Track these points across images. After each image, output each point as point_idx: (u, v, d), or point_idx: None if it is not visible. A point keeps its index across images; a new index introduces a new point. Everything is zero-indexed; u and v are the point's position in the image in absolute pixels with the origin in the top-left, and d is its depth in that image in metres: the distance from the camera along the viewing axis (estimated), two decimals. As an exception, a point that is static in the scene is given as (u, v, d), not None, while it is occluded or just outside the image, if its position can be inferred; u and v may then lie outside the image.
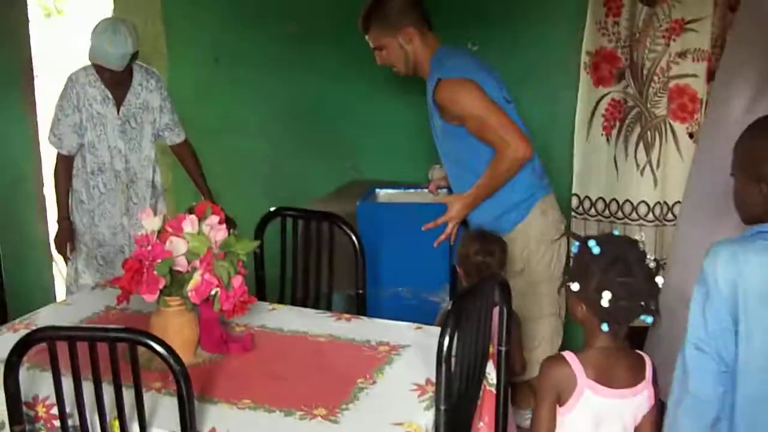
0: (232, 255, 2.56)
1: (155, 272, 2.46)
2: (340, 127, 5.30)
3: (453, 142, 3.57)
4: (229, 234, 2.56)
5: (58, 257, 4.55)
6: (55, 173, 4.27)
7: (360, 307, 3.33)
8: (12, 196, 4.86)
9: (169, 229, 2.55)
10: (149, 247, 2.50)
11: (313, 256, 3.52)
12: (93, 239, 4.29)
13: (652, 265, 2.32)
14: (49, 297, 5.19)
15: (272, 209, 3.61)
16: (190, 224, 2.54)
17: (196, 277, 2.49)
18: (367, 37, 3.57)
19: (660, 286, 2.32)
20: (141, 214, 2.60)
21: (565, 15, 4.59)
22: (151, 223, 2.55)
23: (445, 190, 3.96)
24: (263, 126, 5.51)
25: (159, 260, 2.47)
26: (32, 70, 4.93)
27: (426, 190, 4.07)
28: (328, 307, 3.46)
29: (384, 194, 4.13)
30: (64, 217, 4.26)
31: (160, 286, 2.48)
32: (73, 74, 4.14)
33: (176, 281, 2.53)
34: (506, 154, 3.39)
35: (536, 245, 3.59)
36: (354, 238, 3.32)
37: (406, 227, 3.62)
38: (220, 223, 2.57)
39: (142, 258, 2.49)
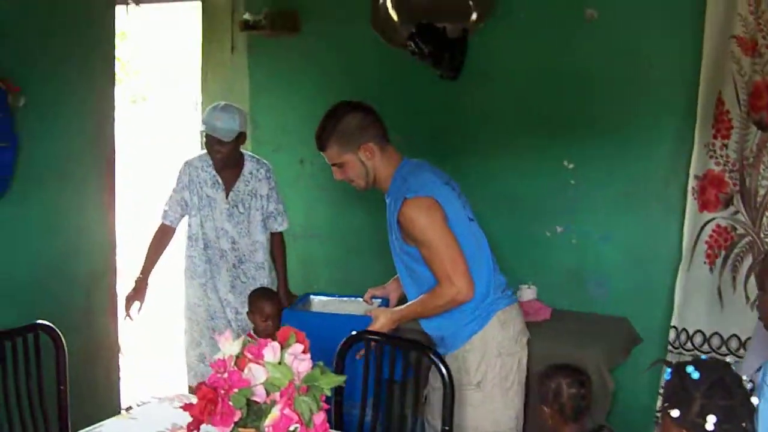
0: (315, 389, 2.34)
1: (230, 403, 2.25)
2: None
3: (408, 261, 3.44)
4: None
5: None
6: (152, 238, 4.56)
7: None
8: (86, 292, 4.73)
9: (249, 355, 2.33)
10: (225, 375, 2.29)
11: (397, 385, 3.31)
12: (206, 311, 4.56)
13: (748, 386, 2.26)
14: (113, 399, 5.07)
15: (354, 333, 3.37)
16: (271, 352, 2.32)
17: (275, 412, 2.26)
18: (324, 154, 3.46)
19: (755, 405, 2.24)
20: (218, 336, 2.39)
21: (668, 136, 4.41)
22: (229, 348, 2.35)
23: (379, 300, 3.86)
24: (340, 231, 5.45)
25: (236, 390, 2.26)
26: (114, 161, 4.86)
27: (361, 299, 3.96)
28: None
29: (318, 301, 4.09)
30: (144, 279, 4.50)
31: (235, 419, 2.26)
32: (188, 159, 4.50)
33: (252, 412, 2.31)
34: (447, 292, 3.27)
35: (494, 358, 3.39)
36: (445, 372, 3.08)
37: (329, 337, 3.39)
38: (304, 352, 2.36)
39: (217, 386, 2.28)
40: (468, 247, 3.31)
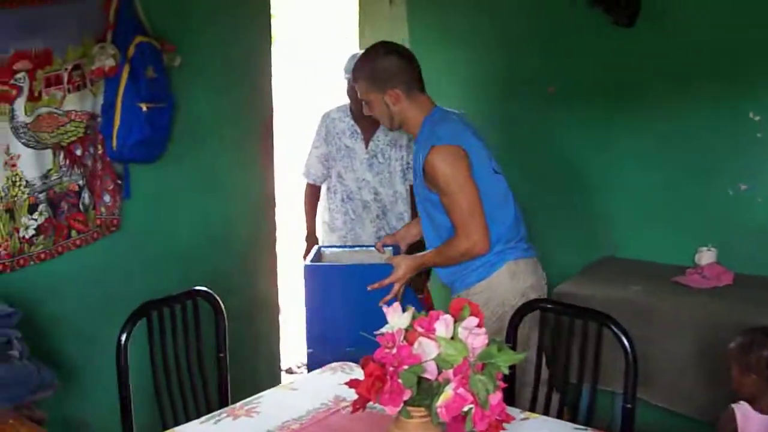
0: (491, 367, 2.11)
1: (400, 381, 2.05)
2: (596, 196, 4.90)
3: (430, 208, 3.50)
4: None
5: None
6: (304, 197, 4.70)
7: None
8: (245, 253, 4.69)
9: (419, 329, 2.13)
10: (394, 350, 2.09)
11: (575, 354, 3.05)
12: None
13: None
14: (273, 360, 5.04)
15: (527, 300, 3.16)
16: (444, 326, 2.11)
17: (448, 392, 2.06)
18: (356, 85, 3.53)
19: None
20: (385, 308, 2.20)
21: None
22: (398, 321, 2.15)
23: (390, 248, 3.90)
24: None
25: (405, 367, 2.06)
26: (272, 120, 4.80)
27: (372, 248, 3.99)
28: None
29: (329, 253, 4.09)
30: (311, 233, 4.68)
31: (405, 398, 2.06)
32: (326, 111, 4.52)
33: (422, 390, 2.11)
34: (463, 244, 3.33)
35: (496, 307, 3.41)
36: (627, 343, 2.81)
37: (353, 288, 3.58)
38: (479, 326, 2.14)
39: (385, 362, 2.09)
40: (490, 200, 3.34)
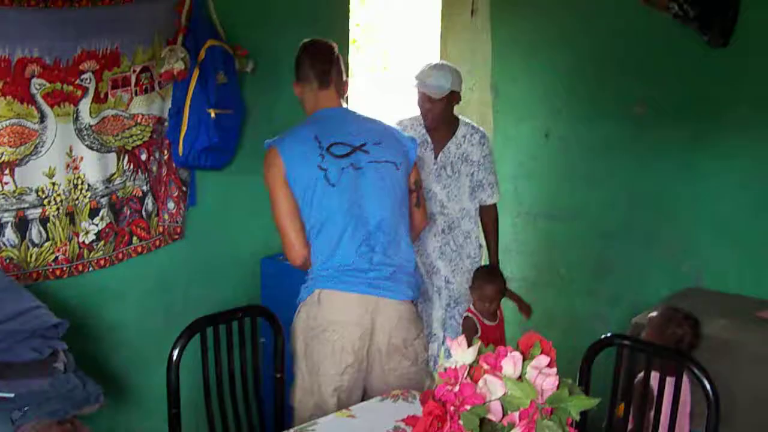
0: (561, 412, 1.92)
1: (461, 423, 1.87)
2: (681, 222, 4.66)
3: None
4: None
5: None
6: None
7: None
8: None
9: (484, 365, 1.95)
10: (457, 387, 1.91)
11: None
12: None
13: None
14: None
15: (604, 336, 2.94)
16: (511, 364, 1.93)
17: (514, 437, 1.87)
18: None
19: None
20: (450, 341, 2.02)
21: None
22: (463, 356, 1.97)
23: None
24: (589, 213, 5.02)
25: (468, 407, 1.88)
26: None
27: None
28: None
29: None
30: None
31: (466, 441, 1.88)
32: (399, 119, 4.34)
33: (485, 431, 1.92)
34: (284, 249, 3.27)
35: (301, 332, 3.21)
36: (709, 386, 2.61)
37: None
38: (549, 365, 1.94)
39: (446, 400, 1.91)
40: (317, 213, 3.15)
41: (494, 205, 4.37)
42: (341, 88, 3.36)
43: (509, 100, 5.26)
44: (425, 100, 4.13)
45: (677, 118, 4.58)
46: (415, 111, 4.29)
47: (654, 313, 3.40)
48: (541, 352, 1.97)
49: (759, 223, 4.36)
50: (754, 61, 4.32)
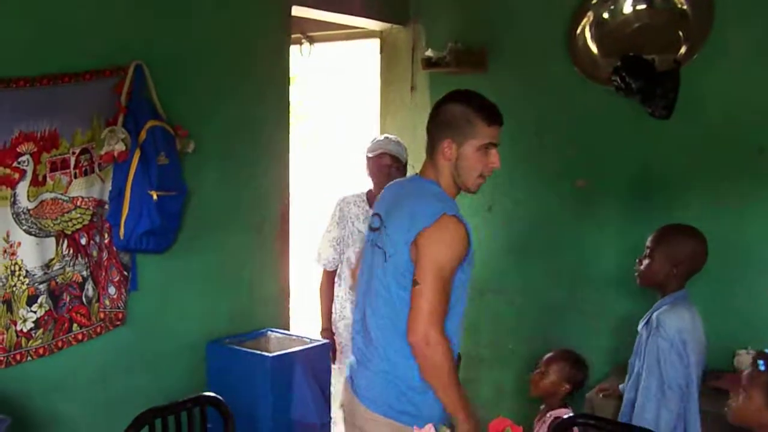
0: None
1: None
2: (623, 298, 4.65)
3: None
4: None
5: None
6: (319, 288, 4.54)
7: None
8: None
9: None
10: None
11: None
12: None
13: None
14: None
15: (567, 416, 2.90)
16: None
17: None
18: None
19: None
20: (417, 429, 1.95)
21: None
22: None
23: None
24: (535, 287, 5.04)
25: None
26: (288, 207, 4.61)
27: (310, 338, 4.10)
28: None
29: (274, 337, 4.21)
30: (326, 329, 4.48)
31: None
32: (342, 196, 4.44)
33: None
34: None
35: None
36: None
37: (239, 372, 3.77)
38: None
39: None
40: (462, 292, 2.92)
41: None
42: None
43: (450, 172, 5.24)
44: (387, 160, 4.19)
45: (618, 191, 4.62)
46: (355, 188, 4.34)
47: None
48: (515, 438, 1.92)
49: (708, 298, 4.34)
50: (695, 132, 4.40)
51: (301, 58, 5.50)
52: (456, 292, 2.81)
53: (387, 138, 4.33)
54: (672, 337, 3.13)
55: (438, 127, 2.91)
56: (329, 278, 4.51)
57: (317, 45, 5.57)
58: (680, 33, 4.38)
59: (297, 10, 4.59)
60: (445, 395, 2.73)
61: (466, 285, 2.92)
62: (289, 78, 4.61)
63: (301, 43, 5.47)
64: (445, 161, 2.87)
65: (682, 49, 4.36)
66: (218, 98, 4.07)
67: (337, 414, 4.08)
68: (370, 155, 4.25)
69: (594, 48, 4.64)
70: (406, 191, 2.96)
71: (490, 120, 2.92)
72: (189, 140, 3.79)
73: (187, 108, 3.84)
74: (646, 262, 3.34)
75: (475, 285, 5.03)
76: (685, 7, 4.38)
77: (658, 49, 4.37)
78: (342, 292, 4.43)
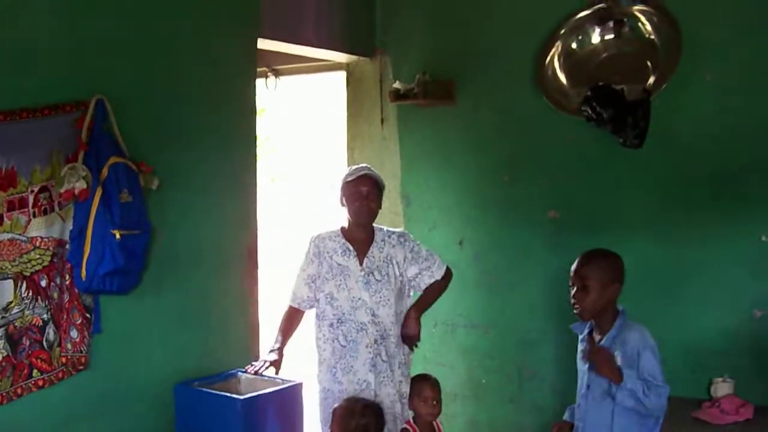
0: None
1: None
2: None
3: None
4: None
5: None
6: (282, 318, 4.23)
7: None
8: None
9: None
10: None
11: None
12: (338, 399, 4.00)
13: None
14: None
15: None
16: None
17: None
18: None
19: None
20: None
21: None
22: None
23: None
24: (507, 320, 5.02)
25: None
26: (256, 244, 4.55)
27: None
28: None
29: (244, 379, 4.13)
30: (280, 349, 4.09)
31: None
32: (316, 234, 4.25)
33: None
34: None
35: None
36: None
37: (206, 414, 3.74)
38: None
39: None
40: None
41: (445, 275, 4.27)
42: None
43: (421, 208, 5.24)
44: (367, 184, 4.07)
45: (591, 222, 4.61)
46: (327, 224, 4.25)
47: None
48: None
49: (680, 324, 4.39)
50: (666, 161, 4.41)
51: (267, 92, 5.46)
52: None
53: (366, 165, 4.26)
54: (653, 344, 3.21)
55: None
56: (293, 313, 4.26)
57: (283, 78, 5.54)
58: (648, 63, 4.40)
59: (263, 43, 4.58)
60: None
61: None
62: (255, 112, 4.57)
63: (267, 77, 5.44)
64: None
65: (651, 79, 4.37)
66: (183, 133, 4.01)
67: None
68: (349, 179, 4.12)
69: (563, 78, 4.65)
70: None
71: None
72: (153, 176, 3.72)
73: (151, 143, 3.78)
74: (583, 295, 3.34)
75: (446, 319, 5.02)
76: (653, 37, 4.41)
77: (627, 79, 4.39)
78: (321, 333, 4.21)
